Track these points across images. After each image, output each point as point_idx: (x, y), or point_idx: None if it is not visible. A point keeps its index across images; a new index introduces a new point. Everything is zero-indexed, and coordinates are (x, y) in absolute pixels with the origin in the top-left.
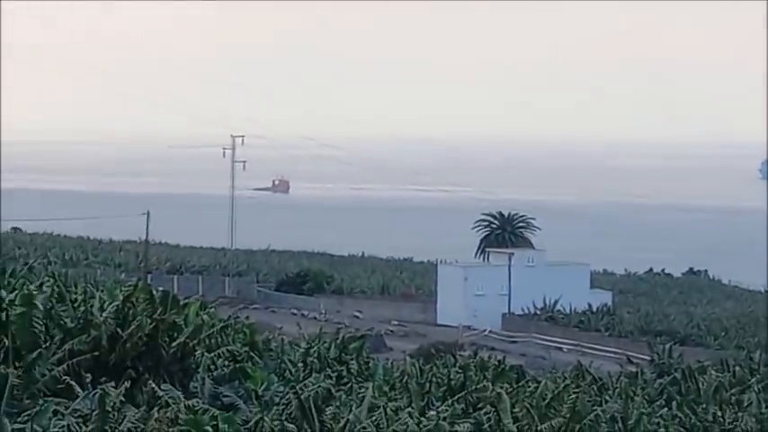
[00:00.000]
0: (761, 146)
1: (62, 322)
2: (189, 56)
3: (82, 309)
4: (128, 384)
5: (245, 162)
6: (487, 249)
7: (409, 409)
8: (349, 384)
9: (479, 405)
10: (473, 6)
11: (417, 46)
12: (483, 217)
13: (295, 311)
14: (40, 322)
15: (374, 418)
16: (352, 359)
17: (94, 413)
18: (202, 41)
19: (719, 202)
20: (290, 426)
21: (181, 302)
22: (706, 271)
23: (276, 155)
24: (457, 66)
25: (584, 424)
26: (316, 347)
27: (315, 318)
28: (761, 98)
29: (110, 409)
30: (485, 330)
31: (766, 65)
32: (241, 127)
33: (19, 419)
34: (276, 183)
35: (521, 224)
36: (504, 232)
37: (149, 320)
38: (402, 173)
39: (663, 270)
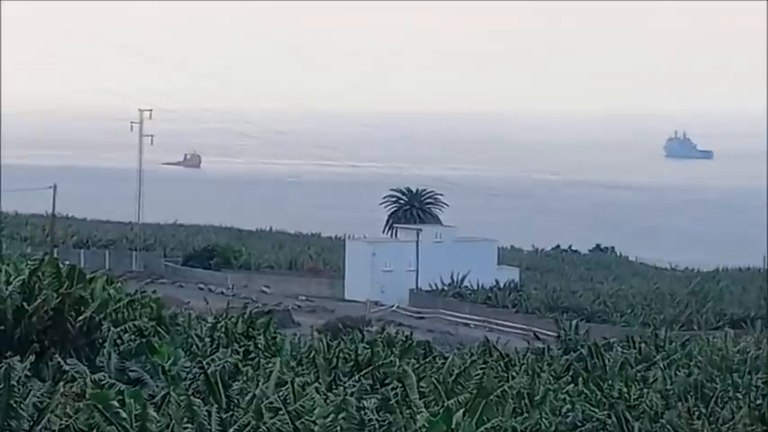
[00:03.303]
0: (667, 122)
1: None
2: (102, 28)
3: None
4: (33, 359)
5: (152, 136)
6: (395, 225)
7: (316, 384)
8: (256, 359)
9: (386, 380)
10: None
11: (339, 18)
12: (391, 193)
13: (202, 286)
14: None
15: (281, 393)
16: (259, 334)
17: None
18: (117, 13)
19: (625, 179)
20: (197, 400)
21: (87, 277)
22: (613, 248)
23: (187, 129)
24: (377, 39)
25: (491, 399)
26: (223, 322)
27: (222, 292)
28: (670, 72)
29: (15, 384)
30: (392, 306)
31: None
32: (151, 100)
33: None
34: (187, 157)
35: (429, 200)
36: (413, 208)
37: (55, 294)
38: (313, 147)
39: (570, 247)
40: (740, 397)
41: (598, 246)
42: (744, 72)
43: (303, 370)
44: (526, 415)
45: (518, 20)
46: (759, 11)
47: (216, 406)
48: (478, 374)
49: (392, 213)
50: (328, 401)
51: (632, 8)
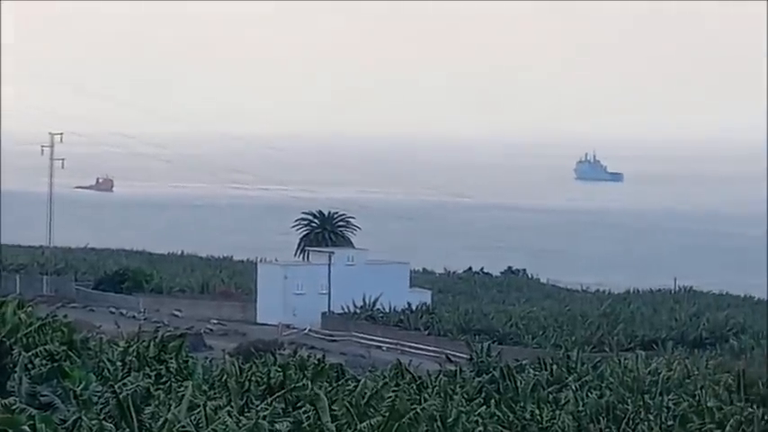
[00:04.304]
0: (577, 145)
1: None
2: (11, 50)
3: None
4: None
5: (63, 160)
6: (307, 248)
7: (228, 407)
8: (168, 383)
9: (299, 404)
10: (308, 6)
11: (250, 42)
12: (303, 216)
13: (114, 310)
14: None
15: (193, 416)
16: (171, 358)
17: None
18: (26, 36)
19: (536, 202)
20: (109, 425)
21: None
22: (524, 270)
23: (99, 153)
24: (283, 60)
25: (404, 422)
26: (135, 346)
27: (134, 316)
28: (579, 95)
29: None
30: (304, 329)
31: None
32: (61, 125)
33: None
34: (100, 181)
35: (341, 223)
36: (324, 231)
37: None
38: (225, 171)
39: (482, 269)
40: (652, 418)
41: (510, 268)
42: (654, 96)
43: (215, 393)
44: None
45: (429, 43)
46: (671, 36)
47: (128, 430)
48: (391, 397)
49: (304, 236)
50: (240, 425)
51: (543, 31)
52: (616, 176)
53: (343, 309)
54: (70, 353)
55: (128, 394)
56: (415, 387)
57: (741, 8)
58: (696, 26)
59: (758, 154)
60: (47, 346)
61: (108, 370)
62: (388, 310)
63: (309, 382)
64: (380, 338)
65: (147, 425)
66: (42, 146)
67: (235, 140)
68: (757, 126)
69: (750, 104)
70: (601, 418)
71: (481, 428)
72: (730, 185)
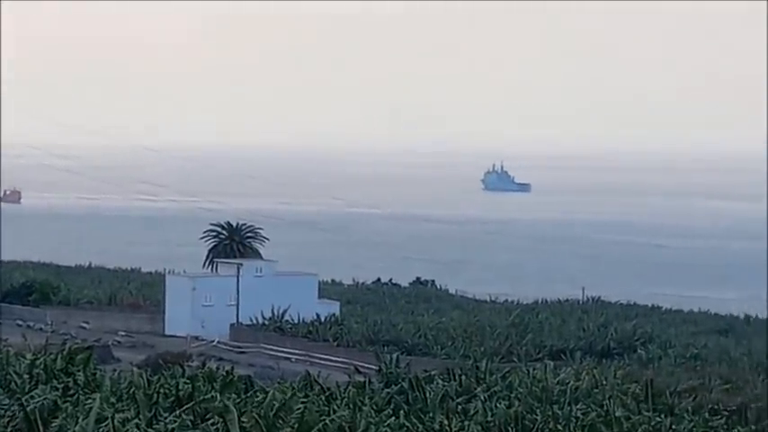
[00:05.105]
0: (486, 156)
1: None
2: None
3: None
4: None
5: None
6: (216, 260)
7: (137, 420)
8: (76, 396)
9: (207, 416)
10: (229, 14)
11: (163, 53)
12: (211, 227)
13: (20, 323)
14: None
15: (101, 429)
16: (78, 370)
17: None
18: None
19: (444, 212)
20: None
21: None
22: (433, 281)
23: (8, 165)
24: (196, 73)
25: None
26: (42, 359)
27: (41, 329)
28: (489, 107)
29: None
30: (213, 341)
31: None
32: None
33: None
34: (7, 193)
35: (249, 234)
36: (233, 242)
37: None
38: (134, 182)
39: (390, 280)
40: (560, 428)
41: (418, 279)
42: (562, 107)
43: (123, 406)
44: None
45: (341, 53)
46: (577, 49)
47: None
48: (300, 409)
49: (212, 248)
50: None
51: (455, 44)
52: (524, 187)
53: (251, 320)
54: None
55: (35, 407)
56: (324, 398)
57: (639, 17)
58: (603, 40)
59: (671, 166)
60: None
61: (15, 383)
62: (296, 322)
63: (218, 394)
64: (289, 350)
65: None
66: None
67: (146, 151)
68: (667, 138)
69: (660, 117)
70: (510, 429)
71: None
72: (640, 196)
